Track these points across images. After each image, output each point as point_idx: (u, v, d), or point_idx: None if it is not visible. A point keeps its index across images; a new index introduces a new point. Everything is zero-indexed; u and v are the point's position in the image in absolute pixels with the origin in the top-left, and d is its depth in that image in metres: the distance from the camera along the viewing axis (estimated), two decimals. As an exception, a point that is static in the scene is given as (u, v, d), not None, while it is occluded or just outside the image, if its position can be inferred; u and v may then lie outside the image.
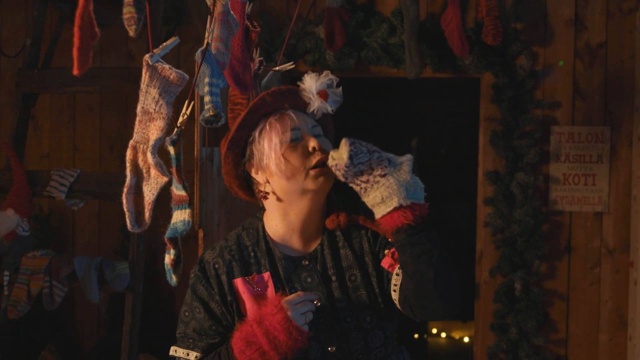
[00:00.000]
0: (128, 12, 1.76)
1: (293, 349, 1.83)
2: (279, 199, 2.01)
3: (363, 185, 1.79)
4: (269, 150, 1.96)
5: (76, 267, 3.87)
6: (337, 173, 1.82)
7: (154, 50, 1.78)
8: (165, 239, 1.93)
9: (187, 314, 2.02)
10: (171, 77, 1.79)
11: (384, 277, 1.98)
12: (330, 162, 1.83)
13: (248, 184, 2.09)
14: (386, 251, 1.97)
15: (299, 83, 2.03)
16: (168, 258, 1.97)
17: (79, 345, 5.03)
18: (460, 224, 7.61)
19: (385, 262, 1.96)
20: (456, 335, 7.34)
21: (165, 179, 1.80)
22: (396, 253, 1.89)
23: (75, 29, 1.59)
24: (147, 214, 1.82)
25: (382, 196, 1.77)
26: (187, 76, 1.80)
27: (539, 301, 4.49)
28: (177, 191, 1.90)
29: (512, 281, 4.51)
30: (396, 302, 1.94)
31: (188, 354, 1.99)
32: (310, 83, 2.00)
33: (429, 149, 8.23)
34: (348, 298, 1.98)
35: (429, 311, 1.85)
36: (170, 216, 1.93)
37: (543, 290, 4.54)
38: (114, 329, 4.76)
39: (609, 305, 4.55)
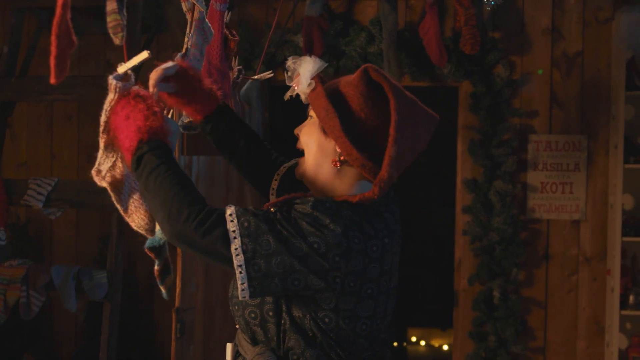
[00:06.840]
0: (113, 19, 1.75)
1: (143, 112, 1.73)
2: None
3: None
4: None
5: (54, 276, 3.83)
6: None
7: (118, 67, 1.71)
8: (146, 250, 1.91)
9: None
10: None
11: None
12: None
13: None
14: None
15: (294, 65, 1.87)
16: (155, 269, 1.95)
17: (56, 355, 4.99)
18: (439, 232, 7.62)
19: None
20: (435, 343, 7.33)
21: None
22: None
23: (53, 38, 1.58)
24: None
25: None
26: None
27: (517, 309, 4.51)
28: None
29: (491, 289, 4.52)
30: None
31: None
32: (308, 68, 1.84)
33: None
34: None
35: None
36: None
37: (521, 298, 4.56)
38: (91, 338, 4.73)
39: (586, 312, 4.58)
